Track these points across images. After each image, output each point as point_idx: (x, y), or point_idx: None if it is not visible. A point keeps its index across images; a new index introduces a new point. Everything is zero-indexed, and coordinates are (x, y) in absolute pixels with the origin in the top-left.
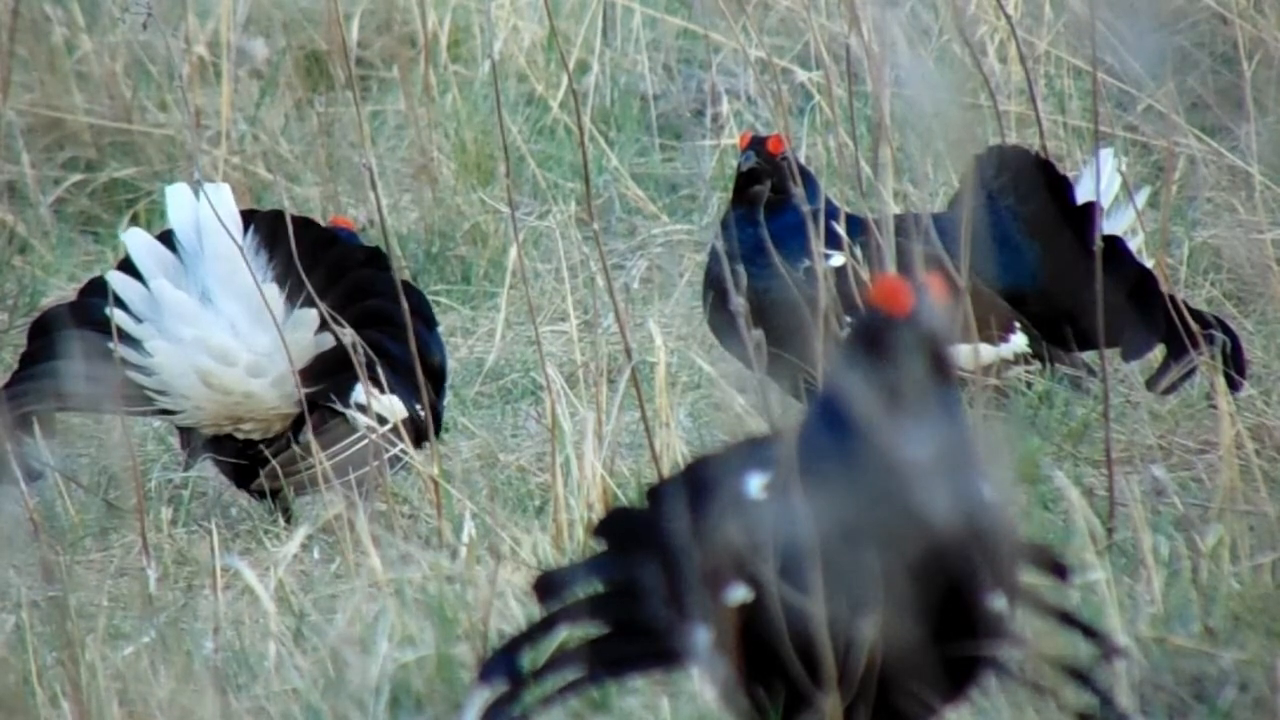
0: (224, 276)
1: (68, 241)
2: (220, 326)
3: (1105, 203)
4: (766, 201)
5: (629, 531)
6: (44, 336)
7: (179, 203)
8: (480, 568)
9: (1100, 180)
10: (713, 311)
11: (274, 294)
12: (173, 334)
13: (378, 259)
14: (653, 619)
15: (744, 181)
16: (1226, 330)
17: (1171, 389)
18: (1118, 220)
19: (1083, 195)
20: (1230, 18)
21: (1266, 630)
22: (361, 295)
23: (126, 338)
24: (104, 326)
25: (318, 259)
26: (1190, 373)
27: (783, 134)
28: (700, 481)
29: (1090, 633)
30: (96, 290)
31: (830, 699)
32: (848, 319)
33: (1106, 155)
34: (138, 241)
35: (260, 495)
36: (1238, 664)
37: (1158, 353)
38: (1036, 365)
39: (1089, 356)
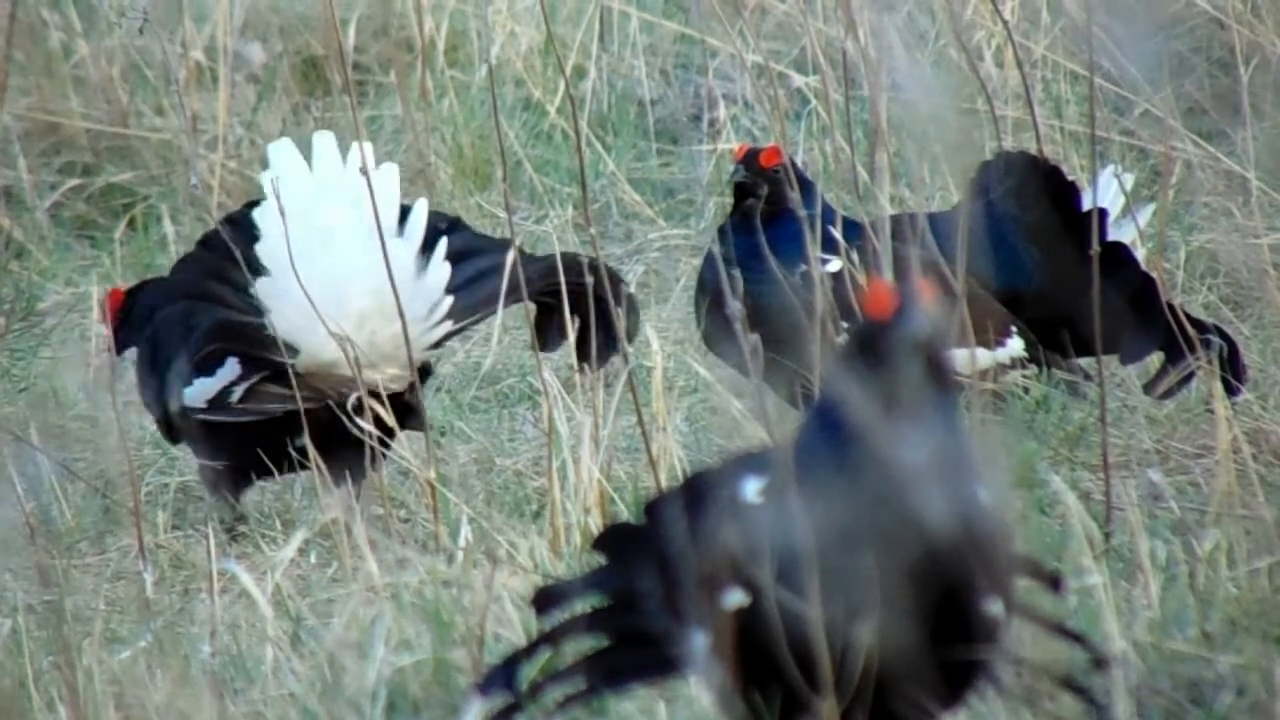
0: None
1: (64, 246)
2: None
3: (1110, 216)
4: (763, 210)
5: (628, 545)
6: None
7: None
8: (477, 572)
9: (1103, 196)
10: (707, 322)
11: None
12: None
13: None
14: (651, 628)
15: (737, 194)
16: (1225, 338)
17: (1170, 393)
18: (1120, 235)
19: (1089, 204)
20: (1227, 22)
21: (1263, 635)
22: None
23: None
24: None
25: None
26: (1188, 377)
27: (780, 143)
28: (698, 491)
29: (1082, 643)
30: (239, 223)
31: (827, 703)
32: (845, 325)
33: (1108, 174)
34: (281, 153)
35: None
36: (1235, 669)
37: (1156, 358)
38: (1033, 370)
39: (1086, 361)
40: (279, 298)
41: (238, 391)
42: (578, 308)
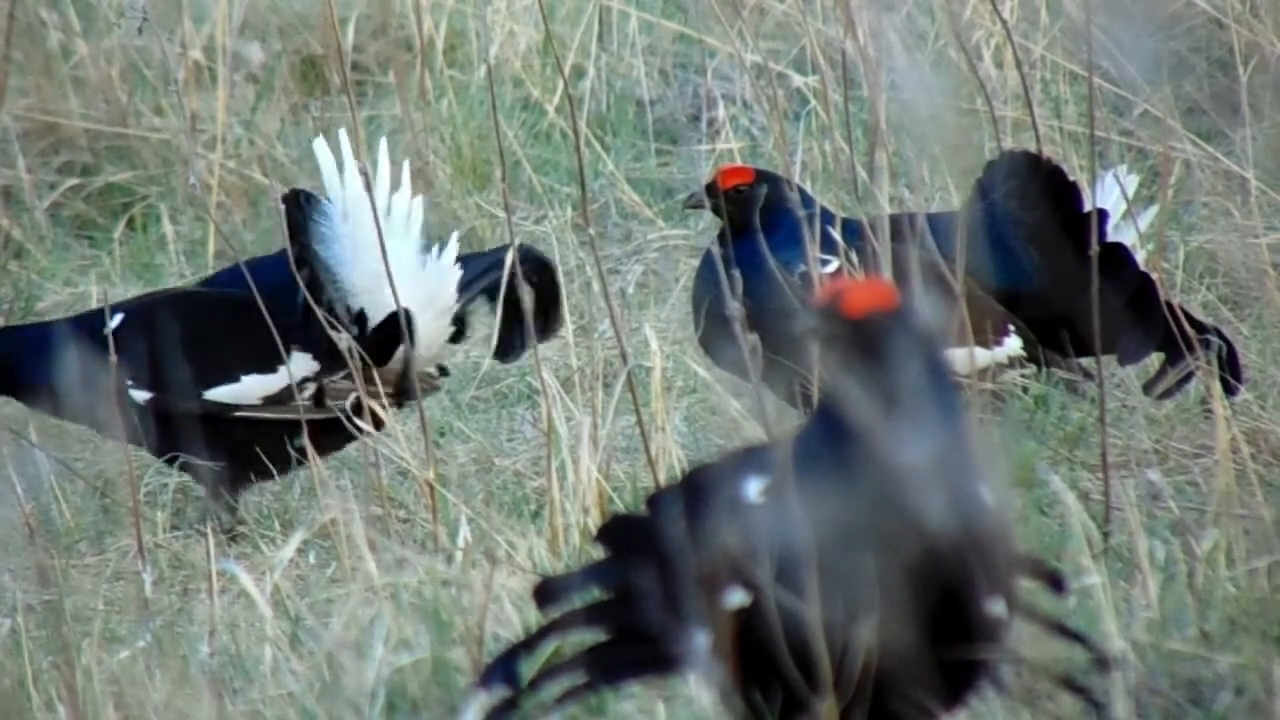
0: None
1: (63, 246)
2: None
3: (1111, 218)
4: (762, 212)
5: (629, 537)
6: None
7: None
8: (476, 572)
9: (1105, 198)
10: (705, 325)
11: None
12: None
13: None
14: (651, 624)
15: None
16: (1223, 338)
17: (1169, 393)
18: (1121, 237)
19: (1092, 204)
20: (1226, 22)
21: (1262, 634)
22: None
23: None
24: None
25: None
26: (1188, 377)
27: (750, 165)
28: (699, 487)
29: (1084, 643)
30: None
31: (826, 703)
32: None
33: (1112, 177)
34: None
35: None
36: (1234, 668)
37: (1155, 357)
38: (1031, 369)
39: (1086, 361)
40: (362, 291)
41: (311, 388)
42: (508, 299)
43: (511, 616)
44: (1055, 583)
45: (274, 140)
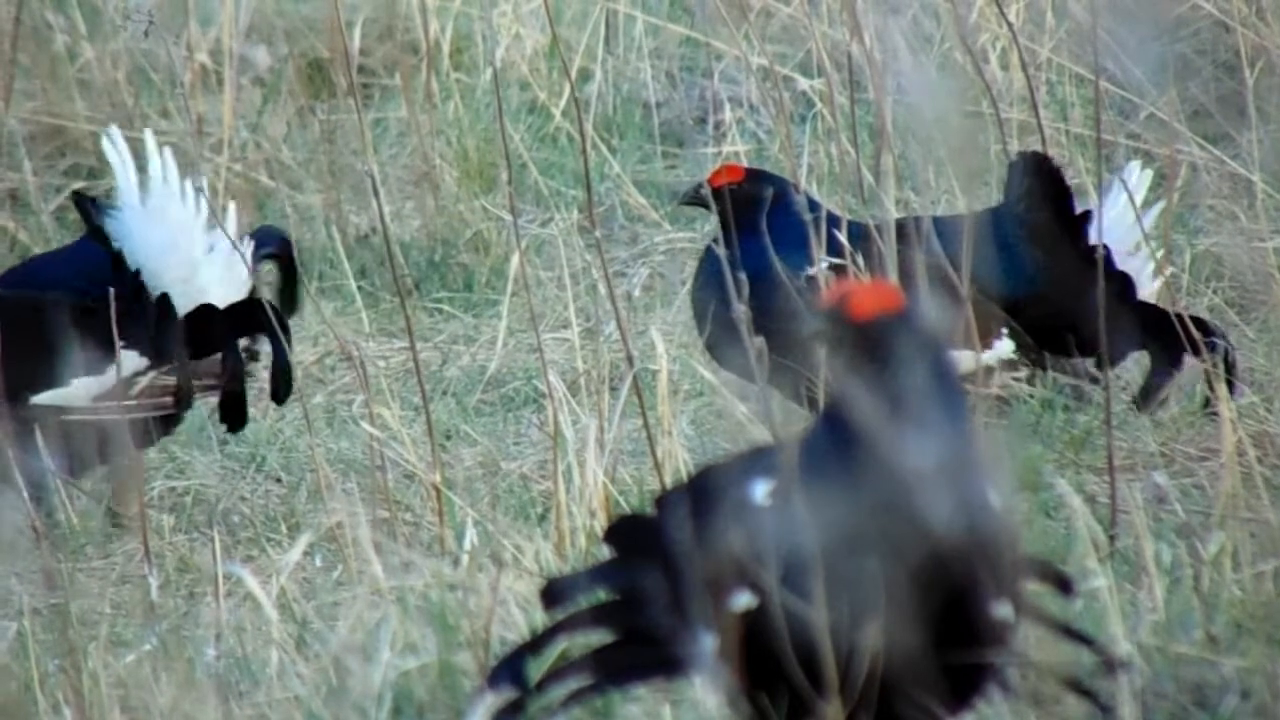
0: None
1: None
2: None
3: (1123, 220)
4: (767, 214)
5: (636, 539)
6: None
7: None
8: (482, 575)
9: (1118, 198)
10: (711, 328)
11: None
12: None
13: None
14: (658, 626)
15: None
16: (1224, 338)
17: (1161, 404)
18: (1125, 240)
19: (1104, 206)
20: (1232, 25)
21: (1268, 638)
22: None
23: None
24: None
25: None
26: (1169, 382)
27: (740, 164)
28: (707, 489)
29: (1090, 646)
30: None
31: (832, 706)
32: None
33: (1127, 171)
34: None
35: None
36: (1240, 671)
37: (1146, 361)
38: (1024, 371)
39: (1090, 363)
40: (164, 286)
41: (142, 382)
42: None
43: (518, 620)
44: (1062, 586)
45: (280, 144)
